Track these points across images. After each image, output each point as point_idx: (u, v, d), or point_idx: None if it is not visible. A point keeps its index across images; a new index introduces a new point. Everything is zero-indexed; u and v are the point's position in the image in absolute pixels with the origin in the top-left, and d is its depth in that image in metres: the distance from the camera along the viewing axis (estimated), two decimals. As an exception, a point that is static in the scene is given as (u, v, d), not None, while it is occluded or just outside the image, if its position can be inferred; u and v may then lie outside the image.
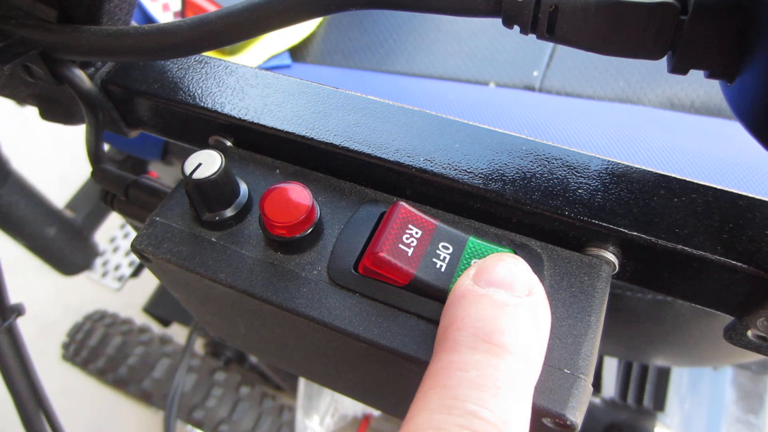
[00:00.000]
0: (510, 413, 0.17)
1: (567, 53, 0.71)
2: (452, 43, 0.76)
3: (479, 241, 0.25)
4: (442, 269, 0.24)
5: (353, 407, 0.81)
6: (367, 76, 0.75)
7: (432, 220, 0.25)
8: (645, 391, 0.97)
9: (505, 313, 0.20)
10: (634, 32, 0.20)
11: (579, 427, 0.21)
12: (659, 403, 0.97)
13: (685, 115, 0.63)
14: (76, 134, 1.71)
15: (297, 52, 0.81)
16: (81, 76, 0.31)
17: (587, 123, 0.62)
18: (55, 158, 1.69)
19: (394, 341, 0.23)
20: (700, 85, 0.64)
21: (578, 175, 0.26)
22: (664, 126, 0.61)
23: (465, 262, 0.24)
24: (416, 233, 0.24)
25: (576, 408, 0.21)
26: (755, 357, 0.91)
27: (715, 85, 0.64)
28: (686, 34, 0.20)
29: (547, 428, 0.22)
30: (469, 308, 0.20)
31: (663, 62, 0.65)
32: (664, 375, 0.98)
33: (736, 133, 0.59)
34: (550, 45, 0.72)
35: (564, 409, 0.21)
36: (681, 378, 1.00)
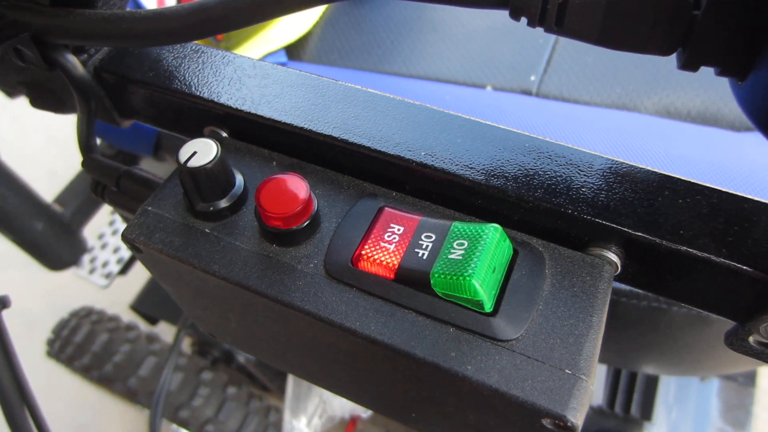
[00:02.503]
0: None
1: (565, 58, 0.71)
2: (450, 45, 0.76)
3: (463, 224, 0.24)
4: (424, 256, 0.23)
5: (341, 409, 0.80)
6: (363, 76, 0.75)
7: (415, 216, 0.25)
8: (633, 399, 0.97)
9: None
10: (645, 27, 0.20)
11: (579, 429, 0.21)
12: (646, 412, 0.97)
13: (682, 124, 0.63)
14: (66, 129, 1.69)
15: (293, 51, 0.80)
16: (74, 61, 0.30)
17: (584, 128, 0.62)
18: (44, 153, 1.67)
19: (391, 337, 0.23)
20: (697, 94, 0.64)
21: (582, 173, 0.26)
22: (660, 133, 0.61)
23: (447, 246, 0.23)
24: (398, 230, 0.25)
25: (577, 409, 0.21)
26: (745, 368, 0.91)
27: (712, 94, 0.64)
28: (698, 30, 0.20)
29: (547, 430, 0.22)
30: None
31: (660, 70, 0.64)
32: (652, 384, 0.98)
33: (733, 142, 0.59)
34: (547, 50, 0.72)
35: (564, 410, 0.21)
36: (668, 388, 1.00)
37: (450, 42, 0.76)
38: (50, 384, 1.29)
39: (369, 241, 0.24)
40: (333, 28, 0.81)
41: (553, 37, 0.73)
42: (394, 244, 0.24)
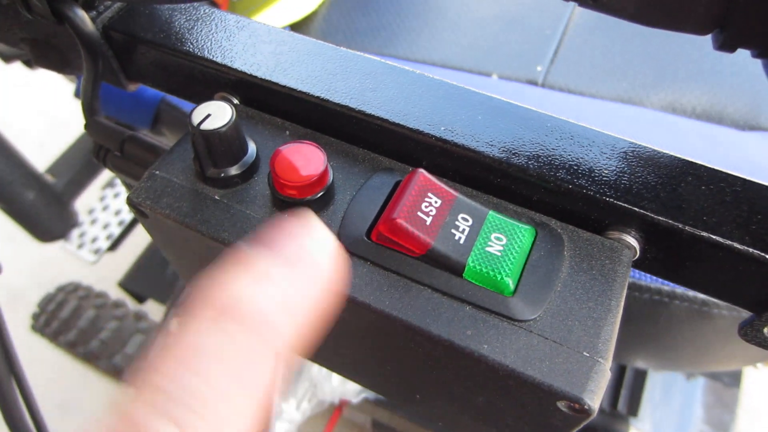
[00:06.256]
0: (217, 391, 0.15)
1: (572, 50, 0.70)
2: (456, 31, 0.75)
3: (500, 216, 0.24)
4: (461, 241, 0.23)
5: (331, 393, 0.80)
6: (367, 58, 0.74)
7: (452, 191, 0.24)
8: (620, 395, 0.97)
9: (261, 284, 0.17)
10: (685, 3, 0.19)
11: (596, 413, 0.21)
12: (633, 408, 0.97)
13: (687, 120, 0.62)
14: (57, 102, 1.66)
15: (298, 30, 0.79)
16: (83, 16, 0.29)
17: (588, 121, 0.61)
18: (34, 127, 1.64)
19: (406, 313, 0.22)
20: (703, 92, 0.64)
21: (604, 155, 0.25)
22: (665, 129, 0.61)
23: (484, 236, 0.23)
24: (435, 202, 0.23)
25: (594, 392, 0.20)
26: (738, 366, 0.91)
27: (718, 92, 0.64)
28: (739, 9, 0.19)
29: (561, 413, 0.21)
30: (227, 275, 0.17)
31: (668, 66, 0.64)
32: (639, 380, 0.98)
33: (737, 141, 0.59)
34: (555, 41, 0.71)
35: (582, 392, 0.20)
36: (654, 385, 1.01)
37: (457, 28, 0.75)
38: (33, 358, 1.28)
39: (404, 208, 0.22)
40: (339, 8, 0.80)
41: (561, 28, 0.73)
42: (431, 218, 0.23)
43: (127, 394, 0.15)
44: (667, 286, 0.45)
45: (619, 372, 0.97)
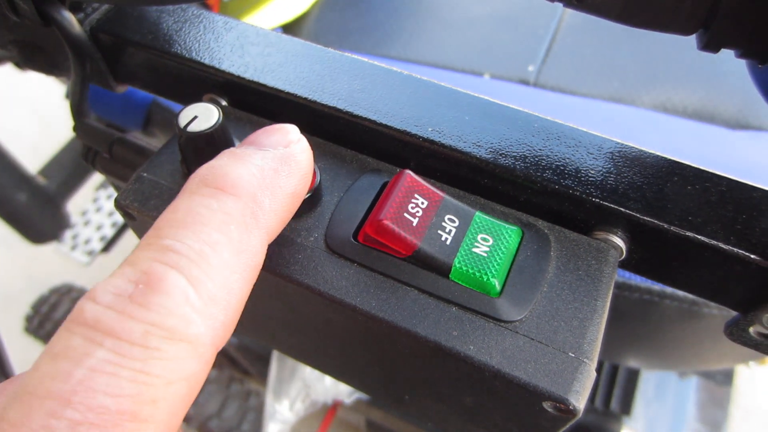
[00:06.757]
0: (212, 247, 0.17)
1: (564, 50, 0.71)
2: (449, 31, 0.75)
3: (486, 217, 0.24)
4: (447, 242, 0.23)
5: (324, 393, 0.80)
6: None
7: (439, 192, 0.24)
8: (613, 394, 0.98)
9: (239, 160, 0.19)
10: (669, 3, 0.20)
11: (581, 413, 0.21)
12: (626, 407, 0.98)
13: (678, 119, 0.63)
14: (49, 103, 1.66)
15: (290, 31, 0.79)
16: (70, 18, 0.29)
17: (580, 120, 0.61)
18: (26, 128, 1.64)
19: (392, 314, 0.22)
20: (695, 90, 0.65)
21: (591, 156, 0.25)
22: (656, 128, 0.61)
23: (471, 236, 0.23)
24: (422, 203, 0.23)
25: (579, 393, 0.20)
26: (728, 365, 0.92)
27: (709, 91, 0.64)
28: (723, 10, 0.19)
29: (547, 413, 0.21)
30: (211, 161, 0.19)
31: (659, 65, 0.64)
32: (632, 379, 0.99)
33: (728, 140, 0.59)
34: (547, 40, 0.71)
35: (567, 393, 0.20)
36: (647, 383, 1.01)
37: (449, 28, 0.75)
38: (27, 360, 1.27)
39: (391, 210, 0.22)
40: (331, 8, 0.80)
41: (552, 27, 0.73)
42: (417, 219, 0.23)
43: (139, 252, 0.17)
44: (657, 285, 0.45)
45: (612, 371, 0.97)
